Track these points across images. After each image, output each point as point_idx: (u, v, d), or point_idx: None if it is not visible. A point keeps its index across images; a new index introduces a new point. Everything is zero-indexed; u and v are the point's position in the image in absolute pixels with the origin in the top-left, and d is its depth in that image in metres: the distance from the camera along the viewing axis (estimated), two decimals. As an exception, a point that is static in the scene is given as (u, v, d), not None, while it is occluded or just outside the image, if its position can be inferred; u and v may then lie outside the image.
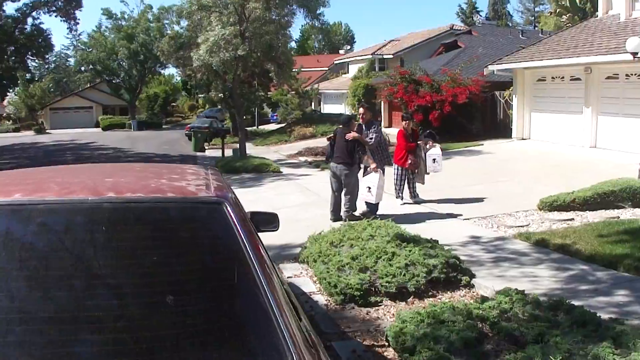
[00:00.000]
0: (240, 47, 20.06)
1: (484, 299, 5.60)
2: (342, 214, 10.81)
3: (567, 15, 31.80)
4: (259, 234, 4.95)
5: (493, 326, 4.73)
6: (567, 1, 32.03)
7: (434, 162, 11.95)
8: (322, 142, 27.52)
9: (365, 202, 10.87)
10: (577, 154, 17.75)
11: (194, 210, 2.67)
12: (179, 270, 2.39)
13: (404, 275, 6.65)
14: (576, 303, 5.33)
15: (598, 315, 4.86)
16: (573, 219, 10.17)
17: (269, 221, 4.82)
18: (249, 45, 20.74)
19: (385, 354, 5.00)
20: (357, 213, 10.85)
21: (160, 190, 2.84)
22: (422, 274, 6.69)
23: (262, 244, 2.85)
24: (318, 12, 21.96)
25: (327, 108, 49.02)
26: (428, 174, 12.24)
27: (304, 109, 43.80)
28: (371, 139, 10.80)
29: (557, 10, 33.43)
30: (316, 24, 22.34)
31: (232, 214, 2.59)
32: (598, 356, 3.84)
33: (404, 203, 12.11)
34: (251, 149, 27.75)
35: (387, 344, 5.12)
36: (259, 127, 46.05)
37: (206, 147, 30.63)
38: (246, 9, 20.50)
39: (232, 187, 3.42)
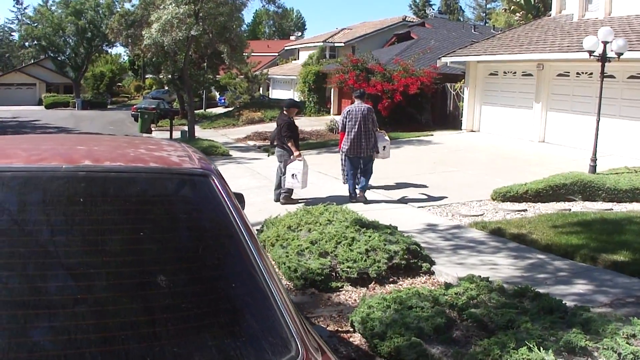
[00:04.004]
0: (194, 27, 19.69)
1: (448, 286, 5.57)
2: (280, 195, 11.25)
3: (521, 12, 32.39)
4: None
5: (461, 312, 4.70)
6: (522, -1, 32.69)
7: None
8: (270, 126, 27.31)
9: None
10: (526, 147, 18.07)
11: (180, 182, 2.46)
12: (168, 248, 2.17)
13: (365, 260, 6.59)
14: (539, 291, 5.36)
15: (564, 302, 4.88)
16: (526, 209, 10.32)
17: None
18: (202, 26, 20.37)
19: (351, 339, 4.93)
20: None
21: (141, 160, 2.60)
22: (383, 260, 6.64)
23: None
24: (275, -5, 21.75)
25: (276, 93, 48.72)
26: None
27: (253, 94, 43.36)
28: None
29: (512, 7, 33.97)
30: (272, 8, 22.08)
31: (219, 187, 2.41)
32: (570, 342, 3.85)
33: None
34: (199, 131, 27.30)
35: (352, 329, 5.04)
36: (207, 110, 45.40)
37: (153, 129, 30.00)
38: (202, -12, 20.09)
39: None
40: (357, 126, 10.91)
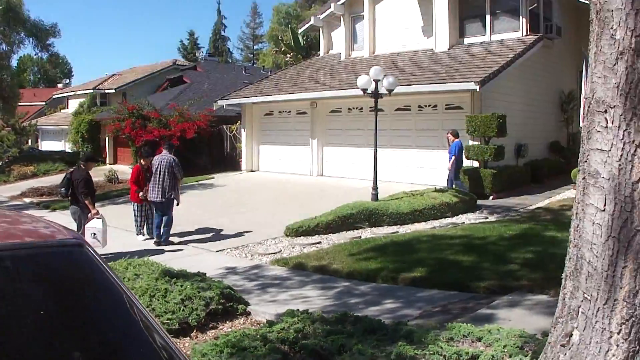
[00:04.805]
0: (-39, 78, 18.11)
1: (272, 323, 5.75)
2: None
3: (291, 53, 33.91)
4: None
5: (293, 345, 4.90)
6: (292, 40, 34.15)
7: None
8: (45, 181, 25.87)
9: None
10: (307, 182, 19.05)
11: (60, 254, 2.36)
12: (64, 323, 2.11)
13: (183, 310, 6.55)
14: (357, 314, 5.74)
15: (382, 321, 5.30)
16: (320, 242, 10.89)
17: None
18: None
19: (189, 390, 4.90)
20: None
21: (14, 235, 2.46)
22: (200, 307, 6.65)
23: None
24: (48, 42, 20.70)
25: (46, 145, 46.01)
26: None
27: (22, 146, 40.48)
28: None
29: (282, 48, 35.48)
30: (44, 56, 21.00)
31: (94, 254, 2.39)
32: (400, 354, 4.23)
33: (146, 238, 12.09)
34: (-33, 190, 24.89)
35: (186, 380, 5.00)
36: (-30, 167, 41.61)
37: None
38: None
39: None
40: (157, 173, 11.56)
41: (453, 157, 14.36)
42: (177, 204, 11.92)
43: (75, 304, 2.22)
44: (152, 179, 11.63)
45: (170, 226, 11.72)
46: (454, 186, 14.41)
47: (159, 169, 11.58)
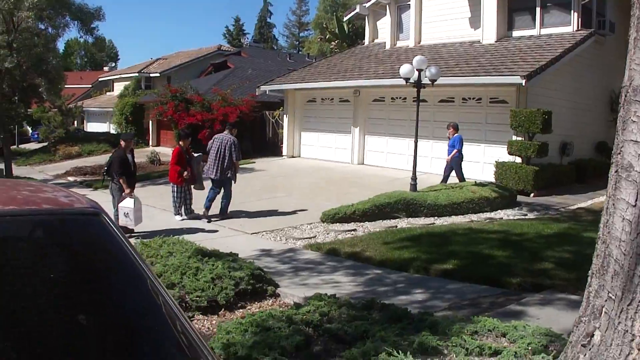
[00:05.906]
0: (8, 59, 18.52)
1: (299, 306, 5.79)
2: None
3: (336, 41, 33.80)
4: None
5: (317, 328, 4.92)
6: (337, 28, 34.05)
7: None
8: (89, 161, 26.38)
9: None
10: (347, 170, 19.00)
11: (76, 222, 2.39)
12: (79, 289, 2.12)
13: (213, 288, 6.64)
14: (385, 302, 5.73)
15: (409, 310, 5.27)
16: (356, 229, 10.88)
17: None
18: (17, 57, 19.19)
19: (212, 366, 4.94)
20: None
21: (33, 202, 2.50)
22: (230, 287, 6.72)
23: None
24: (92, 25, 21.00)
25: (91, 126, 46.88)
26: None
27: (68, 128, 41.33)
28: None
29: (327, 36, 35.41)
30: (90, 39, 21.30)
31: (111, 224, 2.41)
32: (422, 343, 4.21)
33: (183, 219, 12.27)
34: (14, 169, 25.48)
35: (211, 356, 5.05)
36: (20, 146, 42.76)
37: (-40, 169, 27.49)
38: (16, 17, 18.96)
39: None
40: (217, 152, 11.93)
41: (455, 150, 14.25)
42: (234, 182, 12.34)
43: (88, 271, 2.24)
44: (211, 156, 12.01)
45: (229, 200, 12.32)
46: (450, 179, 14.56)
47: (219, 148, 11.94)
